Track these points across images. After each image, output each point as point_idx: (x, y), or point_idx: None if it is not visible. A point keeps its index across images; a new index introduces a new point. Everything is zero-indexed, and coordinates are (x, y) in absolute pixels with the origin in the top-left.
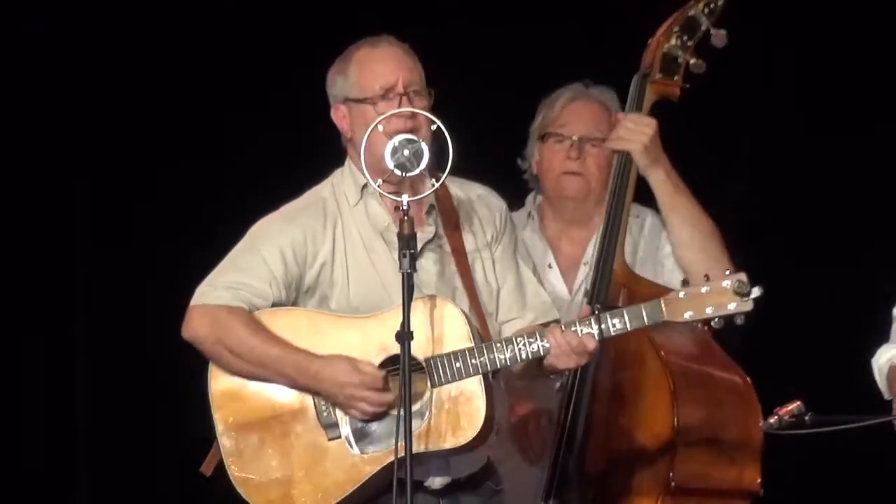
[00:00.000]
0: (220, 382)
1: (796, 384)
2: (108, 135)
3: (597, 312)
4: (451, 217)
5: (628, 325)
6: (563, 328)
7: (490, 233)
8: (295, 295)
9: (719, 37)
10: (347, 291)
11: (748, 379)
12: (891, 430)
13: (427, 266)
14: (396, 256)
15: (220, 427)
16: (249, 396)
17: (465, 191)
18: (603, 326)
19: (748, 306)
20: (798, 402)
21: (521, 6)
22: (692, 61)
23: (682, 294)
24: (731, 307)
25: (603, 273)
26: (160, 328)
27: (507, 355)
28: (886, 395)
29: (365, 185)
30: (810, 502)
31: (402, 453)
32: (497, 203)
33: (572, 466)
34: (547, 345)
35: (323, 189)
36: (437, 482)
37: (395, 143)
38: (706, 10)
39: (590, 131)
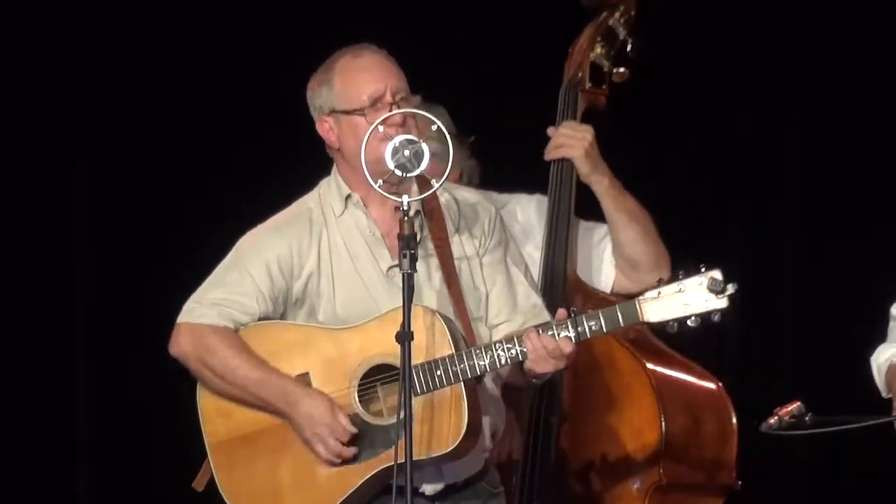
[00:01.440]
0: (208, 398)
1: (796, 384)
2: (108, 135)
3: (573, 315)
4: (438, 221)
5: (604, 327)
6: (539, 332)
7: (478, 237)
8: (283, 307)
9: (635, 47)
10: (334, 302)
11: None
12: (891, 430)
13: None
14: (382, 265)
15: (210, 441)
16: (238, 411)
17: (454, 195)
18: (580, 329)
19: (723, 303)
20: (798, 403)
21: (521, 6)
22: (615, 70)
23: (657, 294)
24: (707, 305)
25: (553, 282)
26: (160, 328)
27: (486, 361)
28: (884, 394)
29: (349, 196)
30: (810, 502)
31: (397, 461)
32: (487, 207)
33: (548, 470)
34: (525, 349)
35: (310, 199)
36: (429, 489)
37: (396, 143)
38: (622, 20)
39: None
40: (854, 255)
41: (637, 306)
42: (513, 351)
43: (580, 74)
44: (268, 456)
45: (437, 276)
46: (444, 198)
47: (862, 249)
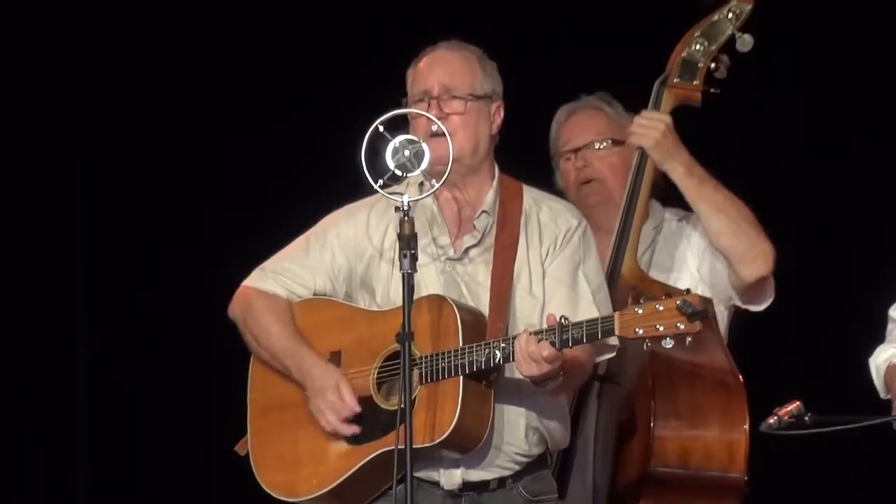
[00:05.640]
0: (256, 367)
1: (796, 384)
2: (110, 135)
3: (561, 322)
4: (509, 224)
5: (585, 337)
6: (528, 335)
7: (547, 246)
8: (347, 287)
9: (743, 41)
10: (390, 287)
11: (740, 379)
12: (891, 430)
13: (470, 268)
14: (438, 252)
15: (251, 408)
16: (277, 383)
17: (537, 202)
18: (564, 336)
19: (696, 328)
20: (798, 403)
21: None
22: (713, 66)
23: (638, 310)
24: (680, 327)
25: (611, 276)
26: (160, 327)
27: (483, 358)
28: (882, 395)
29: (421, 183)
30: (810, 502)
31: (394, 450)
32: (567, 219)
33: (579, 469)
34: (514, 349)
35: (400, 186)
36: (446, 482)
37: (396, 143)
38: (731, 16)
39: (587, 138)
40: (854, 256)
41: (615, 320)
42: (507, 350)
43: (669, 70)
44: (293, 427)
45: (489, 276)
46: (527, 203)
47: (862, 250)
